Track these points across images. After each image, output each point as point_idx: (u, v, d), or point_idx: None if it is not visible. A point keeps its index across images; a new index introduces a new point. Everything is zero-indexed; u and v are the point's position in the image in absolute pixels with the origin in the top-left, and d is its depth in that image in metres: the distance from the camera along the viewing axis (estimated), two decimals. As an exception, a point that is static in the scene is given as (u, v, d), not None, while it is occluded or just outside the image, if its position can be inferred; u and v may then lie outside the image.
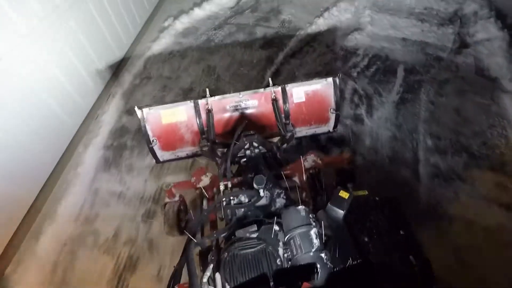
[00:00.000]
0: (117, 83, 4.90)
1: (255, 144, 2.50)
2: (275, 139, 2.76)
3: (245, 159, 2.49)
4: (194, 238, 1.91)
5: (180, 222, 2.71)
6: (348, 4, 5.70)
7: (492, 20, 4.98)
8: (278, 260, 1.66)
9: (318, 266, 1.58)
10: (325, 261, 1.63)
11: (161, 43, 5.56)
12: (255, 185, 2.06)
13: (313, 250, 1.62)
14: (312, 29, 5.41)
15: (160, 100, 4.46)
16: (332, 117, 2.86)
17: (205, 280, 1.67)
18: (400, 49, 4.88)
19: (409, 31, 5.13)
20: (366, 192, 2.09)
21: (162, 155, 2.85)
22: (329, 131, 2.98)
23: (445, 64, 4.61)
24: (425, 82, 4.40)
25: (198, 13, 6.03)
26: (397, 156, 3.59)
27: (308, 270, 1.58)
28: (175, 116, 2.73)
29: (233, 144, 2.36)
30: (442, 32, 5.07)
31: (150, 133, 2.71)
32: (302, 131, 2.94)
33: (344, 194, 1.95)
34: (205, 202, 2.42)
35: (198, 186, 2.54)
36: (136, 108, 2.64)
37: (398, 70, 4.57)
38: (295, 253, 1.65)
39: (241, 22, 5.80)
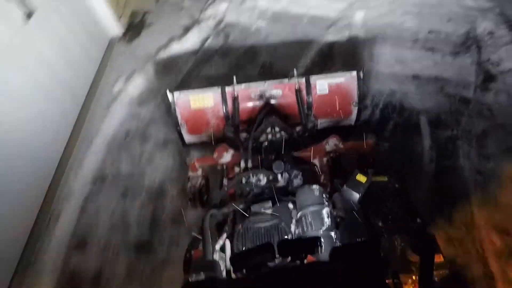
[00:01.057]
0: (57, 200, 3.47)
1: (277, 129, 2.59)
2: (297, 128, 2.83)
3: (266, 143, 2.58)
4: (212, 209, 2.01)
5: (202, 196, 2.81)
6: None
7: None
8: (289, 236, 1.74)
9: (323, 240, 1.63)
10: (334, 240, 1.69)
11: (113, 121, 4.01)
12: (274, 170, 2.16)
13: (324, 228, 1.69)
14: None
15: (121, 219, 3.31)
16: (355, 110, 2.90)
17: (217, 247, 1.79)
18: (415, 91, 3.81)
19: (419, 65, 4.01)
20: (386, 179, 2.09)
21: (188, 138, 3.01)
22: (350, 125, 3.01)
23: (474, 108, 3.56)
24: (459, 138, 3.38)
25: (154, 68, 4.48)
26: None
27: (313, 244, 1.62)
28: (203, 101, 2.88)
29: (256, 125, 2.46)
30: (459, 63, 3.97)
31: (179, 116, 2.88)
32: (324, 123, 2.98)
33: (361, 178, 1.97)
34: (225, 179, 2.50)
35: (220, 162, 2.63)
36: (167, 92, 2.83)
37: (421, 124, 3.55)
38: (305, 230, 1.72)
39: (210, 73, 4.34)
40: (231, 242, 1.80)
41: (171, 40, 4.69)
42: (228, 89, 2.85)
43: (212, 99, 2.87)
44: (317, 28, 4.58)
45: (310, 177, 2.27)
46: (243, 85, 2.86)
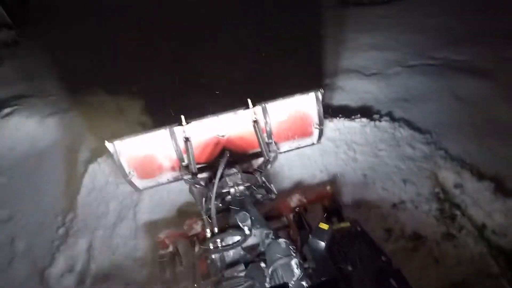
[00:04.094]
0: None
1: (239, 183, 2.42)
2: (260, 160, 2.69)
3: (229, 197, 2.42)
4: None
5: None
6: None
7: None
8: None
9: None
10: None
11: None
12: (239, 222, 2.06)
13: (294, 279, 1.72)
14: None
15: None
16: (316, 131, 2.76)
17: None
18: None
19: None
20: (349, 224, 2.16)
21: (141, 183, 2.72)
22: (313, 143, 2.90)
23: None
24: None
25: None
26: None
27: None
28: (151, 145, 2.57)
29: (215, 187, 2.26)
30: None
31: (125, 165, 2.55)
32: (285, 146, 2.84)
33: (324, 226, 2.03)
34: (197, 249, 2.37)
35: (190, 234, 2.48)
36: (106, 143, 2.44)
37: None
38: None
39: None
40: None
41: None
42: (177, 129, 2.53)
43: (161, 142, 2.55)
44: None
45: (281, 234, 2.24)
46: (193, 123, 2.55)
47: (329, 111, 3.88)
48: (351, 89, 4.50)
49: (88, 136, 4.26)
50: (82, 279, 2.98)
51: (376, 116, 3.89)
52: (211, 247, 2.07)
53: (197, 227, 2.47)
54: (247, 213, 2.10)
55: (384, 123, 3.74)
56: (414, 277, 2.50)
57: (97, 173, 3.63)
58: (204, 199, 2.41)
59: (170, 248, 2.58)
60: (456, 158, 3.31)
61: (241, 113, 2.57)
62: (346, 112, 3.98)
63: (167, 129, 2.52)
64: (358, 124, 3.72)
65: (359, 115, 3.83)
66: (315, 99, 2.61)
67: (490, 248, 2.72)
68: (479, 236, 2.80)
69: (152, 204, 3.41)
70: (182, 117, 2.52)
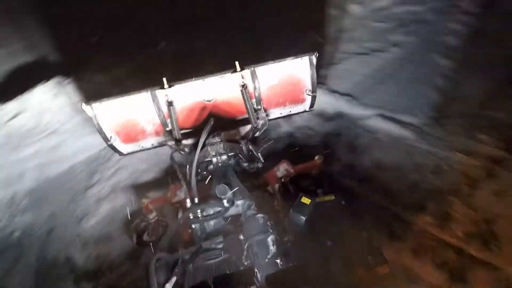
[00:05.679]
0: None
1: (222, 151, 2.32)
2: (248, 127, 2.57)
3: (212, 166, 2.35)
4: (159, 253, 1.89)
5: (141, 236, 2.65)
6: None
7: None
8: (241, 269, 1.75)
9: (256, 271, 1.68)
10: (280, 266, 1.74)
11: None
12: (218, 195, 2.02)
13: (269, 256, 1.73)
14: None
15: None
16: (308, 98, 2.59)
17: None
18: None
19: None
20: (333, 197, 2.16)
21: (124, 148, 2.61)
22: (305, 111, 2.73)
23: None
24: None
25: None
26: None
27: (248, 276, 1.66)
28: (132, 108, 2.42)
29: (196, 158, 2.18)
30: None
31: (106, 130, 2.43)
32: (275, 113, 2.69)
33: (305, 200, 2.04)
34: (180, 216, 2.32)
35: (173, 201, 2.43)
36: (83, 105, 2.31)
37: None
38: (252, 260, 1.74)
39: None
40: (183, 282, 1.77)
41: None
42: (159, 92, 2.36)
43: (142, 105, 2.40)
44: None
45: (263, 205, 2.20)
46: (176, 86, 2.37)
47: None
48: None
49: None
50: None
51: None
52: (191, 217, 2.04)
53: (181, 194, 2.42)
54: (226, 186, 2.03)
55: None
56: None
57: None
58: (187, 166, 2.33)
59: (154, 213, 2.57)
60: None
61: (228, 76, 2.39)
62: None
63: (148, 92, 2.35)
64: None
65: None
66: (308, 64, 2.41)
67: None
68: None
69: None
70: (164, 79, 2.35)
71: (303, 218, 1.97)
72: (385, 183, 3.09)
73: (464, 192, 2.89)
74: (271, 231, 1.81)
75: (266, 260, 1.71)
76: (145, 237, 2.58)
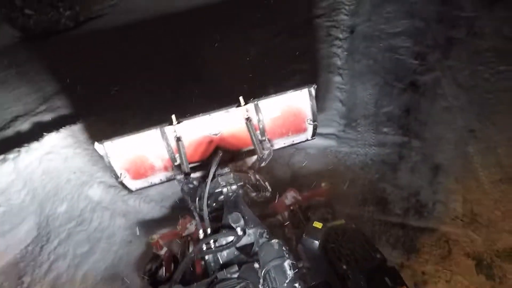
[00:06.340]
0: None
1: (231, 181, 2.38)
2: (254, 158, 2.64)
3: (222, 197, 2.38)
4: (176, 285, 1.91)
5: (156, 276, 2.62)
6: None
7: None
8: None
9: None
10: None
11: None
12: (232, 223, 2.04)
13: (287, 281, 1.70)
14: None
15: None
16: (310, 127, 2.71)
17: None
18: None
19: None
20: (343, 221, 2.16)
21: (134, 184, 2.69)
22: (307, 139, 2.84)
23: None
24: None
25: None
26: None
27: None
28: (142, 145, 2.52)
29: (207, 189, 2.24)
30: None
31: (116, 167, 2.52)
32: (279, 143, 2.79)
33: (317, 225, 2.05)
34: (191, 249, 2.35)
35: (184, 234, 2.48)
36: (96, 144, 2.41)
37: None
38: (271, 286, 1.72)
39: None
40: None
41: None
42: (168, 129, 2.47)
43: (152, 142, 2.50)
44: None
45: (275, 233, 2.24)
46: (185, 122, 2.49)
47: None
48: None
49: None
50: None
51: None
52: (204, 248, 2.05)
53: (191, 227, 2.47)
54: (239, 214, 2.07)
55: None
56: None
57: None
58: (197, 198, 2.38)
59: (164, 250, 2.57)
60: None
61: (233, 111, 2.51)
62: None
63: (158, 129, 2.46)
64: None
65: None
66: (308, 95, 2.55)
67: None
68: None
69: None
70: (173, 116, 2.47)
71: (317, 242, 1.97)
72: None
73: (389, 177, 3.62)
74: (287, 255, 1.80)
75: (285, 285, 1.69)
76: (160, 275, 2.57)
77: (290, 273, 1.72)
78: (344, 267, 1.85)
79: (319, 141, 3.84)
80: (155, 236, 2.58)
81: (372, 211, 3.35)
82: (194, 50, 5.60)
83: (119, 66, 5.51)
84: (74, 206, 3.60)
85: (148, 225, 3.49)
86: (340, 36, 5.21)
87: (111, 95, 5.03)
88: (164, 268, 2.58)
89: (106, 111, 4.63)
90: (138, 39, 6.13)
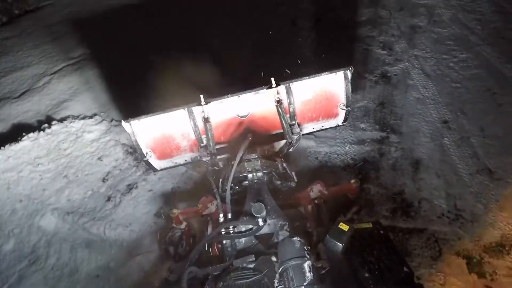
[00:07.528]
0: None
1: (258, 168, 2.33)
2: (282, 142, 2.59)
3: (246, 182, 2.33)
4: (191, 267, 1.86)
5: (177, 249, 2.65)
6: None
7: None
8: None
9: None
10: None
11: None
12: (254, 214, 1.98)
13: (305, 283, 1.62)
14: None
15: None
16: (342, 112, 2.61)
17: None
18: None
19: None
20: (371, 225, 2.06)
21: (158, 164, 2.63)
22: (337, 125, 2.75)
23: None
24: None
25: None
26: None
27: None
28: (169, 125, 2.45)
29: (232, 173, 2.19)
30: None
31: (143, 146, 2.46)
32: (308, 127, 2.70)
33: (344, 227, 1.94)
34: (210, 230, 2.33)
35: (204, 213, 2.44)
36: (123, 122, 2.35)
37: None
38: (287, 286, 1.65)
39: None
40: None
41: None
42: (196, 109, 2.40)
43: (179, 122, 2.43)
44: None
45: (296, 226, 2.19)
46: (213, 103, 2.41)
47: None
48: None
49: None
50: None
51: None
52: (223, 232, 2.03)
53: (212, 207, 2.44)
54: (262, 204, 2.00)
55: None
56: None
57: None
58: (220, 180, 2.35)
59: (183, 225, 2.59)
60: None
61: (263, 92, 2.42)
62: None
63: (185, 109, 2.39)
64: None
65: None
66: (343, 78, 2.43)
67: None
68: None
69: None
70: (201, 96, 2.38)
71: (340, 245, 1.87)
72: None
73: (372, 176, 3.58)
74: (308, 256, 1.71)
75: (303, 287, 1.61)
76: (180, 250, 2.58)
77: (309, 275, 1.64)
78: (367, 275, 1.79)
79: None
80: (175, 211, 2.57)
81: (361, 215, 3.19)
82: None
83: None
84: (24, 241, 3.05)
85: (117, 255, 3.12)
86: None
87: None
88: (184, 242, 2.62)
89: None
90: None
